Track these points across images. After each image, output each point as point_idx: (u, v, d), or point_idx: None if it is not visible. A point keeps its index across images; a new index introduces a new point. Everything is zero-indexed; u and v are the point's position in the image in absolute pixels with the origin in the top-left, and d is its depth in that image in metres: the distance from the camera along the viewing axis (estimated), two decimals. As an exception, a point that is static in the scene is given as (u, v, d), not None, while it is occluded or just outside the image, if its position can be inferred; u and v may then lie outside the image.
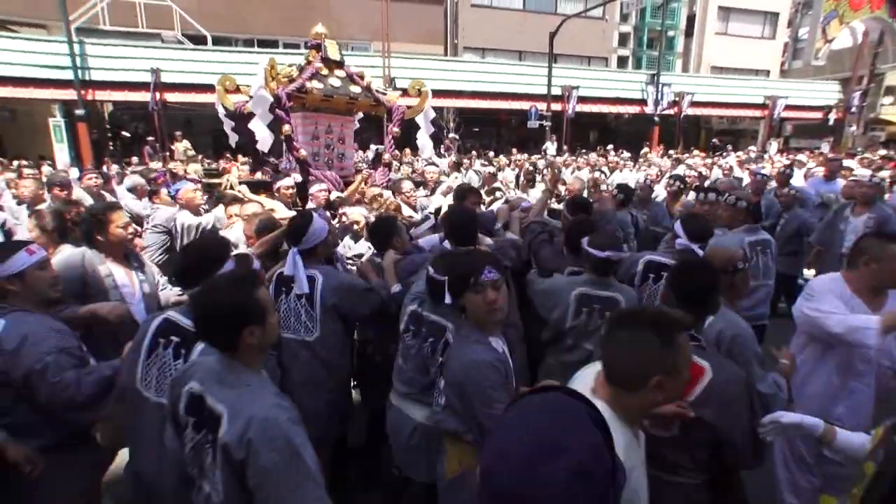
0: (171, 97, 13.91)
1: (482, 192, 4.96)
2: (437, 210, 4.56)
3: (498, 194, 5.86)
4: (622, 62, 26.62)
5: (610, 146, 15.99)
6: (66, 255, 2.54)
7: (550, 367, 2.49)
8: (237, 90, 5.70)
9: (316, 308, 2.37)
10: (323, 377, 2.39)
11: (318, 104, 5.48)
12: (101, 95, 13.79)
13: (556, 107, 17.24)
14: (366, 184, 5.24)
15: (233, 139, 5.79)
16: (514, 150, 15.83)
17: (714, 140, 19.11)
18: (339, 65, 5.67)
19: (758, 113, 20.99)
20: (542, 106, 16.73)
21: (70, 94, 13.04)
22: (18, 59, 13.09)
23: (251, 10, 16.45)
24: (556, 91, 17.08)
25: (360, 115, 6.25)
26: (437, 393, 1.96)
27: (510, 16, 19.63)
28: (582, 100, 17.97)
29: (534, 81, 17.41)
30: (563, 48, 18.00)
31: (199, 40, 15.53)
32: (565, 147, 16.76)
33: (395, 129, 5.97)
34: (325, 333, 2.39)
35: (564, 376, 2.15)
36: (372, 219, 3.91)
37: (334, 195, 4.84)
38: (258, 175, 6.01)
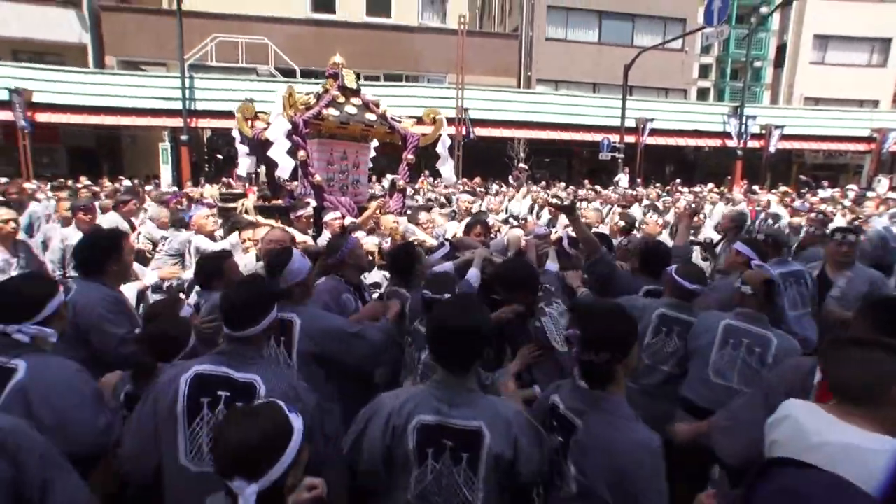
0: (262, 124, 15.19)
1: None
2: (453, 236, 4.55)
3: (512, 221, 5.80)
4: (703, 94, 25.62)
5: (678, 179, 15.34)
6: None
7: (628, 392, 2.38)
8: (256, 118, 5.86)
9: (293, 356, 2.11)
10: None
11: (333, 131, 5.48)
12: (202, 122, 15.42)
13: (631, 139, 16.86)
14: (381, 211, 5.20)
15: (243, 166, 6.00)
16: (587, 182, 15.60)
17: (801, 176, 17.66)
18: (356, 93, 5.70)
19: (862, 146, 19.22)
20: (615, 138, 16.43)
21: (178, 122, 14.71)
22: (143, 93, 15.05)
23: (336, 46, 17.56)
24: (630, 123, 16.74)
25: (376, 142, 6.25)
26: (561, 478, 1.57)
27: (585, 48, 19.64)
28: (657, 132, 17.45)
29: (607, 113, 17.20)
30: (639, 80, 17.70)
31: (289, 73, 16.94)
32: (639, 180, 16.24)
33: (410, 157, 5.91)
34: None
35: (643, 400, 2.29)
36: (385, 246, 4.02)
37: (348, 220, 4.79)
38: (276, 201, 6.04)
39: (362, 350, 2.20)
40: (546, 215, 8.87)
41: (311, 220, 4.78)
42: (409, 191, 7.65)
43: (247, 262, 3.52)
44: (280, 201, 5.76)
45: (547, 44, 19.27)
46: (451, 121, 16.39)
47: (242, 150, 5.89)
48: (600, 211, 6.66)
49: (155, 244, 5.02)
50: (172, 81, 14.91)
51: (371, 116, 5.62)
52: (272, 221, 4.58)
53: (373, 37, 18.09)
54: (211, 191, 6.81)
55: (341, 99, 5.53)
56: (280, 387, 1.61)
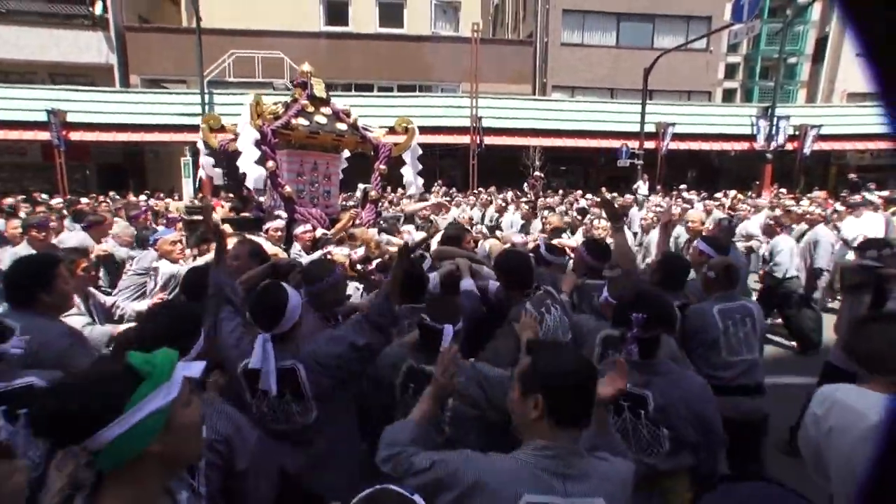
0: (228, 135, 15.54)
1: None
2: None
3: (498, 233, 5.70)
4: (729, 95, 24.59)
5: (683, 185, 14.78)
6: None
7: None
8: (222, 129, 5.77)
9: (308, 403, 1.97)
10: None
11: (303, 141, 5.34)
12: (220, 137, 15.79)
13: (651, 145, 16.34)
14: (353, 223, 5.08)
15: (213, 177, 5.88)
16: (604, 189, 15.21)
17: (852, 176, 16.54)
18: (326, 102, 5.56)
19: (909, 147, 17.98)
20: (634, 144, 15.96)
21: (198, 137, 15.12)
22: (165, 110, 15.58)
23: (350, 58, 17.88)
24: (650, 128, 16.23)
25: (347, 152, 6.13)
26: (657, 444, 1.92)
27: (602, 53, 19.18)
28: (679, 137, 16.86)
29: (626, 119, 16.73)
30: (660, 83, 17.15)
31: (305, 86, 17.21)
32: (658, 187, 15.72)
33: (382, 167, 5.81)
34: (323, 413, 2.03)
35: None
36: (356, 256, 3.82)
37: (319, 232, 4.68)
38: (245, 214, 5.89)
39: (365, 357, 2.03)
40: (519, 221, 8.75)
41: (282, 232, 4.66)
42: (383, 202, 7.59)
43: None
44: (249, 214, 5.65)
45: (562, 49, 18.92)
46: (465, 130, 16.31)
47: (208, 161, 5.83)
48: (561, 215, 6.94)
49: (116, 262, 4.83)
50: (193, 97, 15.38)
51: (342, 126, 5.52)
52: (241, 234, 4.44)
53: (386, 47, 18.19)
54: (176, 204, 6.78)
55: (311, 108, 5.41)
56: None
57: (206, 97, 15.00)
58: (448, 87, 18.89)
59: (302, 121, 5.27)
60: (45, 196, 12.59)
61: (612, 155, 16.67)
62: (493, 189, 14.65)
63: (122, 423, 0.93)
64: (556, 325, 2.46)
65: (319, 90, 5.60)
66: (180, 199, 14.03)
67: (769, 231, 6.39)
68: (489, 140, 16.42)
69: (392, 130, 6.24)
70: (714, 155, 19.67)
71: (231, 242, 3.31)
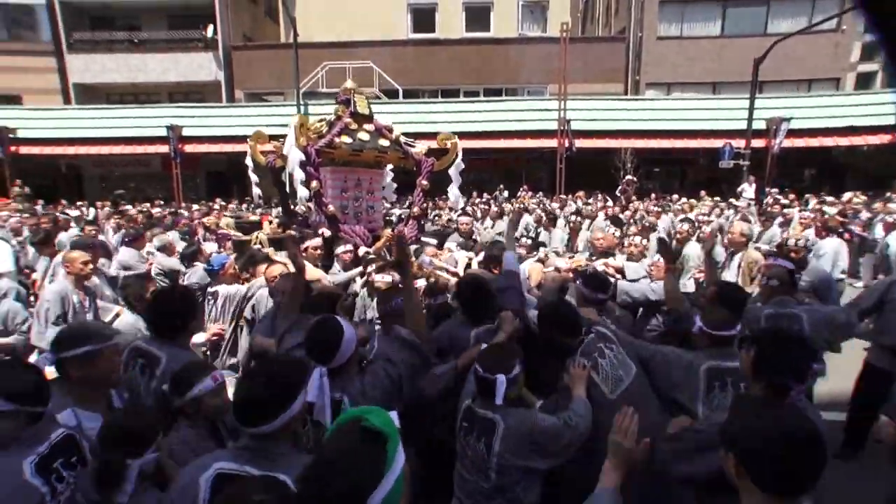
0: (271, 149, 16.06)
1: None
2: (467, 266, 4.37)
3: (542, 251, 5.17)
4: (864, 81, 21.41)
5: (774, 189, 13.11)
6: None
7: None
8: (268, 145, 5.78)
9: None
10: None
11: (347, 158, 5.27)
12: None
13: (760, 143, 14.76)
14: (390, 243, 4.86)
15: (256, 193, 5.92)
16: (703, 193, 14.00)
17: None
18: (369, 119, 5.48)
19: None
20: (740, 143, 14.51)
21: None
22: (265, 122, 16.59)
23: (436, 65, 18.03)
24: (759, 125, 14.66)
25: (391, 167, 6.03)
26: None
27: (704, 45, 17.66)
28: (795, 133, 15.05)
29: (730, 116, 15.27)
30: (774, 73, 15.42)
31: (392, 94, 17.60)
32: (767, 189, 14.16)
33: (424, 182, 5.68)
34: None
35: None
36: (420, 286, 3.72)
37: (362, 251, 4.64)
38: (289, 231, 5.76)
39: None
40: (564, 236, 7.77)
41: (321, 251, 4.67)
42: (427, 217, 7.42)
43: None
44: (293, 231, 5.61)
45: (659, 43, 17.69)
46: (552, 133, 15.78)
47: (254, 178, 5.88)
48: (613, 235, 5.93)
49: (169, 276, 4.97)
50: (289, 108, 16.29)
51: (384, 142, 5.43)
52: (284, 256, 4.39)
53: (472, 52, 18.12)
54: (227, 220, 7.01)
55: (354, 126, 5.36)
56: None
57: (302, 108, 15.81)
58: (535, 89, 18.43)
59: (345, 139, 5.23)
60: (161, 202, 14.07)
61: (714, 155, 15.30)
62: (580, 194, 14.03)
63: (384, 486, 0.95)
64: (614, 365, 2.29)
65: (363, 107, 5.56)
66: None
67: None
68: (578, 143, 15.77)
69: (435, 146, 6.14)
70: (840, 151, 17.36)
71: (274, 270, 3.45)
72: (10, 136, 16.11)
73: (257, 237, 5.23)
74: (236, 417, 1.47)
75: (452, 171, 5.86)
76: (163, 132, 15.88)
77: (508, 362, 1.97)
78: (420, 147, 5.87)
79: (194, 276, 4.43)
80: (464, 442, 2.03)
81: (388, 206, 6.01)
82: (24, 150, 16.39)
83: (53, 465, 1.53)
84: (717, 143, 15.08)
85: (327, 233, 4.96)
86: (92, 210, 13.20)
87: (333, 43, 17.71)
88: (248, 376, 1.61)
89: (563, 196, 14.18)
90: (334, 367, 1.91)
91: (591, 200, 13.03)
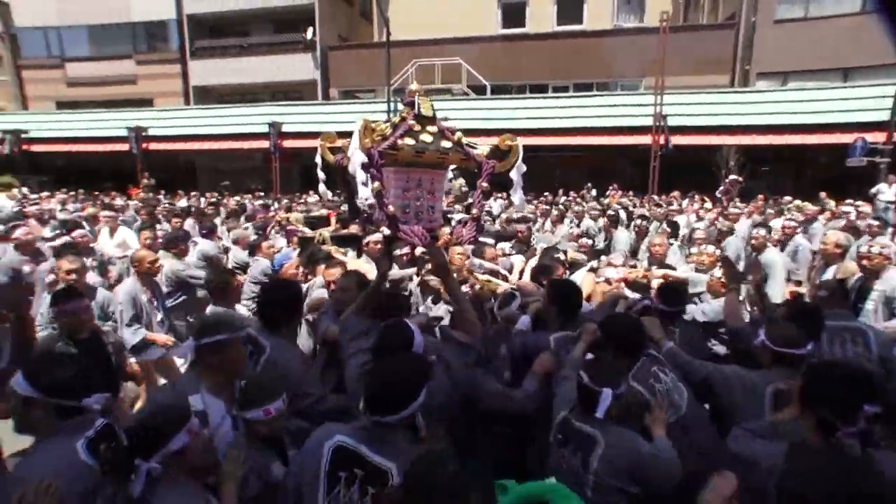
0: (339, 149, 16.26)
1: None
2: (520, 274, 4.22)
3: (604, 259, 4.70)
4: None
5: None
6: None
7: None
8: (336, 144, 5.93)
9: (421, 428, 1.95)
10: None
11: (409, 159, 5.27)
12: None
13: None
14: (449, 243, 4.86)
15: (322, 190, 6.05)
16: (824, 195, 12.45)
17: None
18: (432, 121, 5.47)
19: None
20: (877, 137, 12.72)
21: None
22: (356, 118, 17.30)
23: (525, 60, 17.72)
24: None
25: (453, 167, 6.01)
26: None
27: (835, 24, 15.59)
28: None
29: (864, 106, 13.45)
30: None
31: (480, 90, 17.57)
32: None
33: (484, 184, 5.47)
34: None
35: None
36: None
37: (419, 251, 4.46)
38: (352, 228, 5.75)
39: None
40: (628, 239, 6.90)
41: (381, 246, 4.59)
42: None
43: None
44: (355, 228, 5.57)
45: (776, 28, 15.96)
46: (645, 129, 14.89)
47: (322, 176, 6.12)
48: (665, 239, 5.29)
49: (244, 268, 5.10)
50: (380, 106, 16.85)
51: (447, 144, 5.49)
52: (345, 254, 4.60)
53: (562, 46, 17.58)
54: (296, 215, 7.13)
55: (417, 128, 5.42)
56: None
57: (392, 104, 16.28)
58: (628, 83, 17.51)
59: (408, 140, 5.36)
60: (261, 194, 15.18)
61: (839, 152, 13.56)
62: (675, 194, 13.09)
63: None
64: (669, 390, 2.18)
65: (426, 109, 5.66)
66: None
67: None
68: (674, 140, 14.73)
69: (496, 148, 6.05)
70: None
71: (332, 273, 3.44)
72: (143, 134, 18.21)
73: (321, 234, 5.40)
74: (367, 406, 1.57)
75: (514, 174, 5.86)
76: (265, 129, 17.10)
77: (618, 377, 1.88)
78: (482, 149, 5.97)
79: (256, 268, 4.61)
80: (558, 454, 1.94)
81: (455, 207, 6.07)
82: (153, 146, 18.46)
83: (100, 448, 1.61)
84: (844, 137, 13.36)
85: (387, 231, 5.09)
86: (203, 200, 14.55)
87: (423, 41, 18.02)
88: (379, 370, 1.69)
89: (656, 196, 13.31)
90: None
91: (685, 202, 12.13)
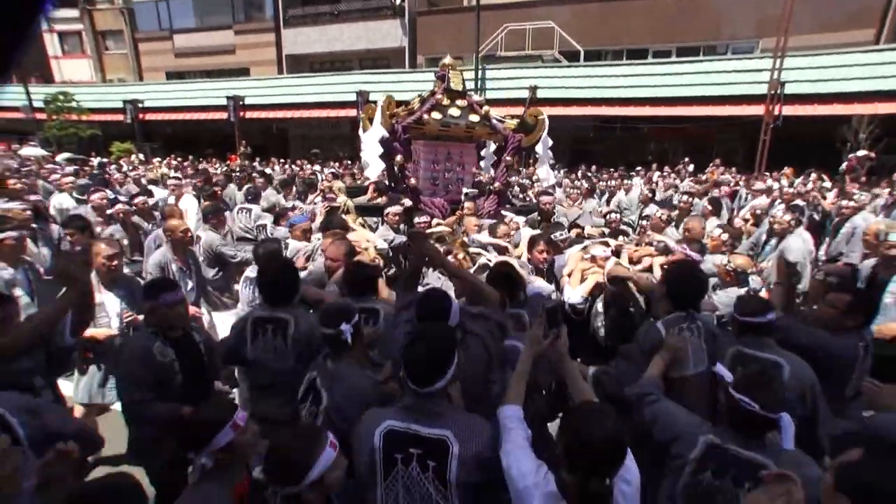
0: (542, 111, 15.57)
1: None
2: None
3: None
4: None
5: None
6: None
7: None
8: (395, 111, 5.95)
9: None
10: None
11: (436, 133, 5.69)
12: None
13: None
14: (464, 216, 5.01)
15: (364, 159, 6.07)
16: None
17: None
18: (462, 95, 5.83)
19: None
20: None
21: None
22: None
23: (623, 22, 16.52)
24: None
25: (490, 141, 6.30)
26: None
27: None
28: None
29: None
30: None
31: (572, 56, 16.69)
32: None
33: (508, 158, 5.94)
34: None
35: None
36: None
37: (435, 222, 4.87)
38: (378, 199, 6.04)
39: None
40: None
41: (400, 217, 5.00)
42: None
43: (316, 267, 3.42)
44: (382, 199, 5.88)
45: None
46: (757, 99, 13.44)
47: (364, 145, 6.06)
48: (701, 219, 4.68)
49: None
50: (466, 74, 16.46)
51: (474, 118, 5.78)
52: (363, 224, 4.89)
53: (665, 6, 16.17)
54: (339, 184, 7.17)
55: (446, 101, 5.77)
56: (473, 447, 1.54)
57: (479, 72, 15.93)
58: (742, 45, 15.85)
59: (435, 115, 5.66)
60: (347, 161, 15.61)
61: None
62: (788, 171, 11.82)
63: None
64: (698, 344, 2.29)
65: (457, 83, 5.89)
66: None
67: None
68: (790, 110, 13.19)
69: (522, 122, 6.13)
70: None
71: (328, 241, 3.35)
72: (241, 103, 19.23)
73: (346, 204, 5.64)
74: (410, 378, 1.59)
75: (540, 148, 5.97)
76: (353, 97, 17.42)
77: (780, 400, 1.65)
78: (509, 122, 6.09)
79: (277, 233, 4.67)
80: (706, 485, 1.67)
81: (482, 177, 6.23)
82: (249, 114, 19.47)
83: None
84: None
85: (408, 202, 5.43)
86: (294, 167, 15.22)
87: (514, 3, 17.32)
88: (418, 341, 1.67)
89: (767, 173, 12.08)
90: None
91: (800, 179, 10.91)
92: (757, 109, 13.61)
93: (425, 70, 18.75)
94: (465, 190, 5.84)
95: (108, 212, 4.94)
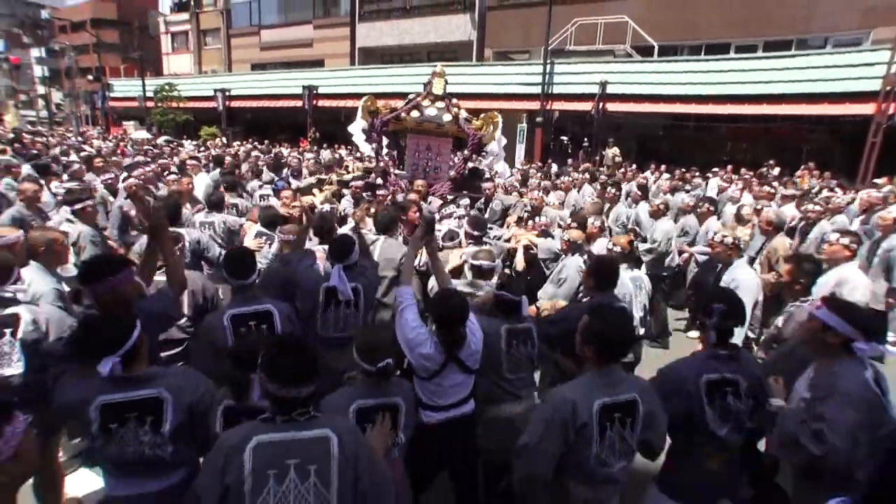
0: (612, 107, 14.92)
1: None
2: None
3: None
4: None
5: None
6: None
7: None
8: (377, 111, 7.26)
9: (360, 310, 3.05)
10: None
11: (414, 127, 6.98)
12: (556, 106, 16.22)
13: None
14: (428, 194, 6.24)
15: (363, 145, 7.56)
16: None
17: None
18: (441, 98, 7.00)
19: None
20: None
21: (535, 105, 15.98)
22: (508, 80, 16.87)
23: (701, 15, 15.44)
24: None
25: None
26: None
27: None
28: None
29: None
30: None
31: (646, 51, 15.85)
32: None
33: (466, 153, 6.95)
34: None
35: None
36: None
37: (400, 197, 5.82)
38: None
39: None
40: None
41: (360, 189, 6.30)
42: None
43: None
44: (370, 178, 7.14)
45: None
46: (864, 96, 11.95)
47: (361, 137, 7.43)
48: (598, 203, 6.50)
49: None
50: (535, 68, 16.19)
51: (447, 117, 6.84)
52: (331, 195, 5.94)
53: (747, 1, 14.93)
54: (333, 177, 7.98)
55: (426, 103, 6.99)
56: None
57: (548, 66, 15.52)
58: (845, 38, 14.29)
59: (414, 113, 6.95)
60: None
61: None
62: (884, 180, 10.37)
63: None
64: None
65: (439, 88, 7.08)
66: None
67: None
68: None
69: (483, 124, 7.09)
70: None
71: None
72: (315, 92, 20.14)
73: (330, 177, 7.09)
74: (363, 359, 1.97)
75: (495, 146, 7.05)
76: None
77: None
78: (476, 122, 7.04)
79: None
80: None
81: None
82: (321, 103, 20.33)
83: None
84: None
85: (380, 181, 6.86)
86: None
87: (587, -4, 16.73)
88: (368, 330, 2.47)
89: (877, 181, 10.66)
90: (348, 265, 2.97)
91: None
92: (861, 108, 12.14)
93: (492, 63, 18.62)
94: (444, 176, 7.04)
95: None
